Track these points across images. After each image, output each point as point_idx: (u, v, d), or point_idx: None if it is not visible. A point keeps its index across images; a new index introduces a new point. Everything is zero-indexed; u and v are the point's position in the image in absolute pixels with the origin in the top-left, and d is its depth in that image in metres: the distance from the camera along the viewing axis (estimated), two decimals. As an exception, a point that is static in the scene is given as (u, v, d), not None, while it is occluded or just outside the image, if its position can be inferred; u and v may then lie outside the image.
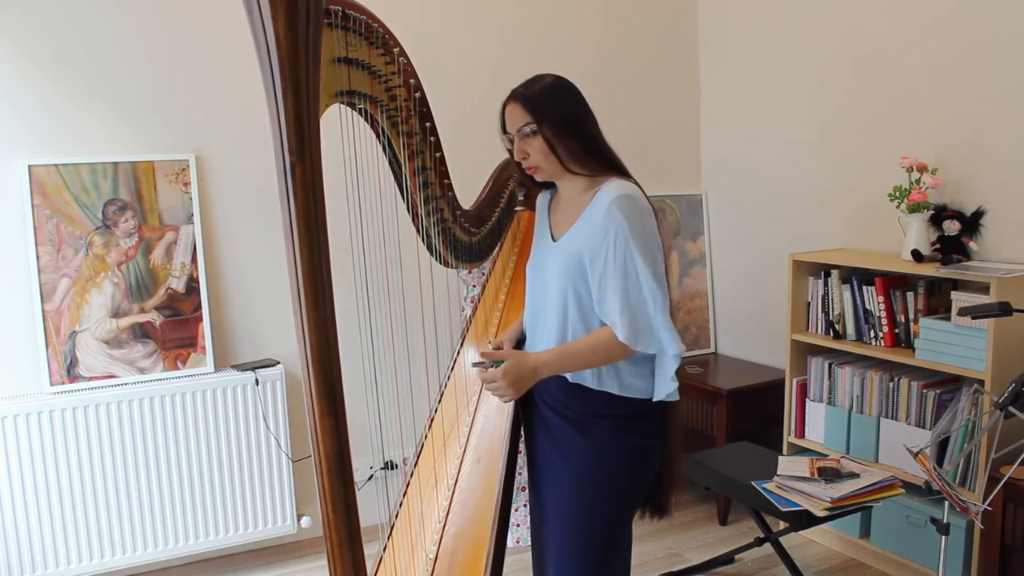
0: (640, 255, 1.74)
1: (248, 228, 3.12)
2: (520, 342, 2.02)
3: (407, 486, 2.04)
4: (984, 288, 2.54)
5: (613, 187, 1.79)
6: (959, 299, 2.61)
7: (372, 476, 3.30)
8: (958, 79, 2.81)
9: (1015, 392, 2.02)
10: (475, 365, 1.88)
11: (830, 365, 3.09)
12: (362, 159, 1.70)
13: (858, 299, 2.97)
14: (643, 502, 1.97)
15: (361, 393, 2.00)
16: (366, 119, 1.68)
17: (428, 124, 1.76)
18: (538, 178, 1.89)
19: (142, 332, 2.93)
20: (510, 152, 1.88)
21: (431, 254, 1.95)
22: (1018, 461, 2.12)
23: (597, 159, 1.84)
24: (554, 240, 1.92)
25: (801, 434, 3.23)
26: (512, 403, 1.92)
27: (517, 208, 2.28)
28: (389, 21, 1.66)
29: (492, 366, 1.81)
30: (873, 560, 3.01)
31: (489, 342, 2.10)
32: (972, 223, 2.77)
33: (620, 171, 1.87)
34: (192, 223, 2.99)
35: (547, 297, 1.88)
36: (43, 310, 2.79)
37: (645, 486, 1.92)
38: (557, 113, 1.81)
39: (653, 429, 1.87)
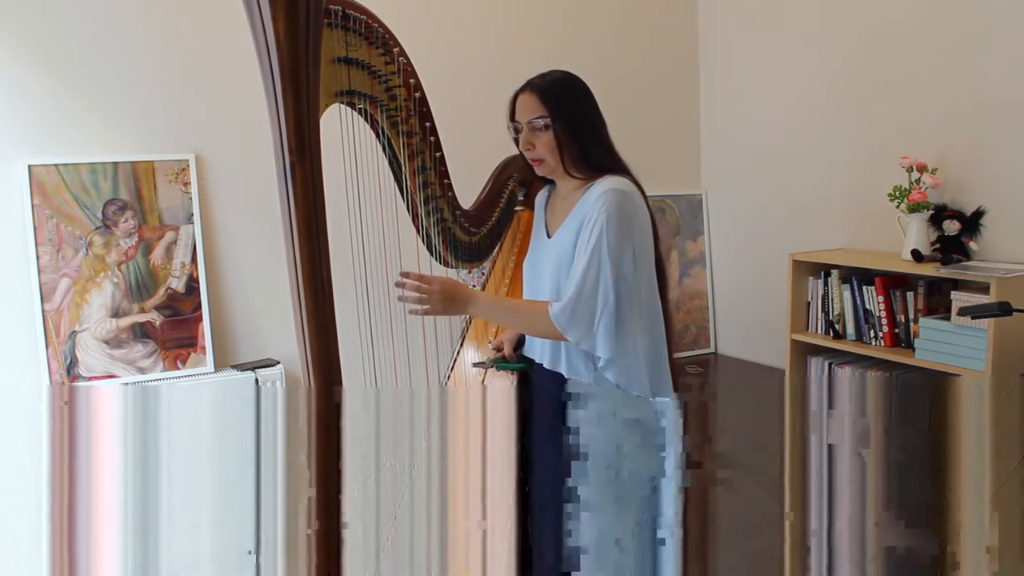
0: (607, 251, 1.69)
1: (248, 228, 3.11)
2: (520, 342, 2.02)
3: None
4: (984, 288, 2.54)
5: (608, 182, 1.76)
6: (959, 299, 2.60)
7: (372, 476, 3.30)
8: (958, 79, 2.81)
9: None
10: (475, 365, 1.88)
11: (830, 365, 3.09)
12: (362, 159, 1.70)
13: (858, 299, 2.97)
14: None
15: (361, 393, 1.99)
16: (366, 119, 1.68)
17: (428, 124, 1.76)
18: (539, 172, 1.85)
19: (142, 332, 2.93)
20: (516, 141, 1.85)
21: (431, 254, 1.95)
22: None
23: (599, 165, 1.81)
24: (549, 236, 1.91)
25: (801, 434, 3.23)
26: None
27: (517, 208, 2.28)
28: (389, 21, 1.66)
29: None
30: (873, 560, 3.00)
31: (489, 343, 2.10)
32: (972, 223, 2.77)
33: (623, 173, 1.84)
34: (192, 223, 2.99)
35: (542, 293, 1.87)
36: (43, 310, 2.79)
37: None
38: (572, 111, 1.77)
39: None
